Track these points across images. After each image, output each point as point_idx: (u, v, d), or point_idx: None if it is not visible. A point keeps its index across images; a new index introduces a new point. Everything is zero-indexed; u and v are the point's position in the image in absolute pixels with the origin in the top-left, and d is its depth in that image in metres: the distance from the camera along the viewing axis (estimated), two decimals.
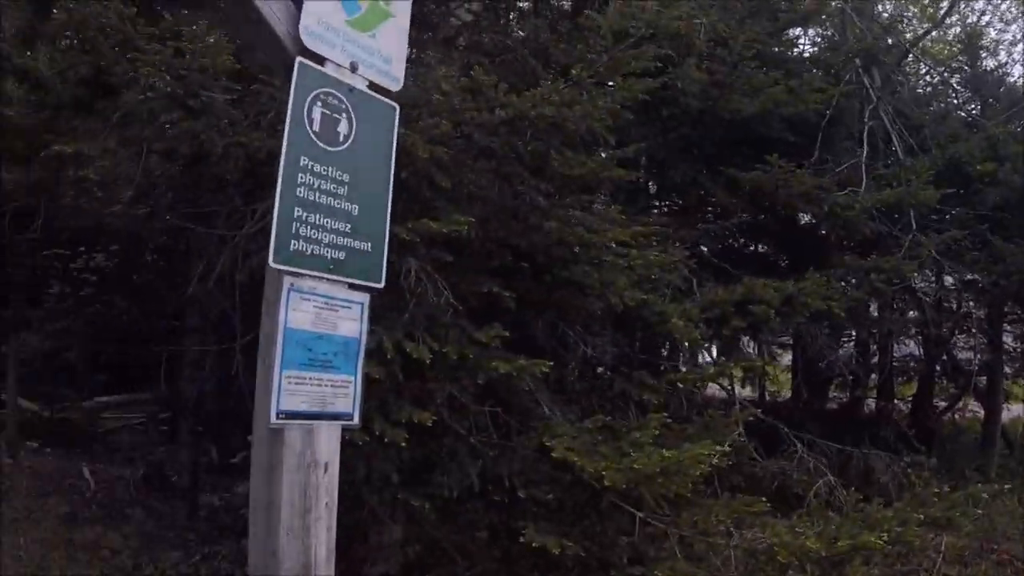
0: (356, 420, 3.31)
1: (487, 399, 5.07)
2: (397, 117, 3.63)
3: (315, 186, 3.18)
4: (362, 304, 3.35)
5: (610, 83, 6.21)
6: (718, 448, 4.84)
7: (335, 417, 3.22)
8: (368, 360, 3.59)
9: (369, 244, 3.39)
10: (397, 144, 3.64)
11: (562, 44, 6.38)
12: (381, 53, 3.60)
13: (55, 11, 6.24)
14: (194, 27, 4.79)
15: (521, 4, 9.05)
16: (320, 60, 3.30)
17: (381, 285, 3.46)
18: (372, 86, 3.54)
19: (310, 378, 3.12)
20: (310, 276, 3.14)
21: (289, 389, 3.03)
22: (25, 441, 11.95)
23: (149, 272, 12.36)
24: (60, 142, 6.14)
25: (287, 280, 3.06)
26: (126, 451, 12.57)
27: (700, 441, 4.89)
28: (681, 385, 6.22)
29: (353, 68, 3.44)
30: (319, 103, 3.24)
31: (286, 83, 3.20)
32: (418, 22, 9.10)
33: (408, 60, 3.95)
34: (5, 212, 10.30)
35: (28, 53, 7.03)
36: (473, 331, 4.83)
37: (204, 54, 4.69)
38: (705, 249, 9.18)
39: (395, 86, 3.68)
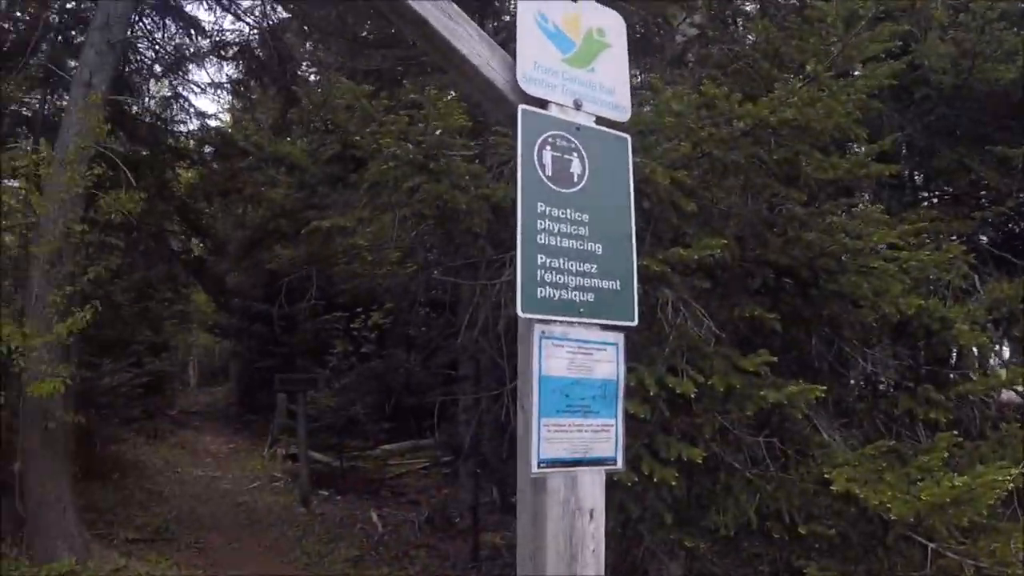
0: (620, 464, 3.19)
1: (760, 429, 4.79)
2: (629, 148, 3.50)
3: (555, 231, 3.12)
4: (617, 344, 3.22)
5: (854, 72, 5.78)
6: (1014, 471, 4.25)
7: (598, 462, 3.12)
8: (630, 399, 3.48)
9: (618, 282, 3.27)
10: (634, 174, 3.52)
11: (793, 41, 6.00)
12: (603, 86, 3.50)
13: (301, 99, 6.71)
14: (425, 93, 4.95)
15: (746, 6, 8.68)
16: (543, 104, 3.27)
17: (635, 323, 3.31)
18: (599, 120, 3.45)
19: (569, 424, 3.04)
20: (561, 322, 3.07)
21: (549, 437, 2.98)
22: (317, 490, 12.91)
23: (422, 325, 12.97)
24: (319, 217, 6.57)
25: (538, 328, 3.01)
26: (411, 495, 13.28)
27: (995, 462, 4.37)
28: (972, 397, 5.56)
29: (577, 106, 3.37)
30: (548, 147, 3.19)
31: (513, 132, 3.20)
32: (642, 46, 8.99)
33: (635, 85, 3.84)
34: (281, 286, 11.37)
35: (285, 140, 7.63)
36: (738, 359, 4.57)
37: (437, 118, 4.82)
38: (984, 239, 8.27)
39: (622, 116, 3.56)
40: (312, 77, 15.45)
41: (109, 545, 9.01)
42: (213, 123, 14.63)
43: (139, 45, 12.54)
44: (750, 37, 7.56)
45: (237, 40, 13.48)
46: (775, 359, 4.55)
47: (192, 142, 13.84)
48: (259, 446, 16.71)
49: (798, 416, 4.59)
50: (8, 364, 7.25)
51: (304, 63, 15.68)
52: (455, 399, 12.14)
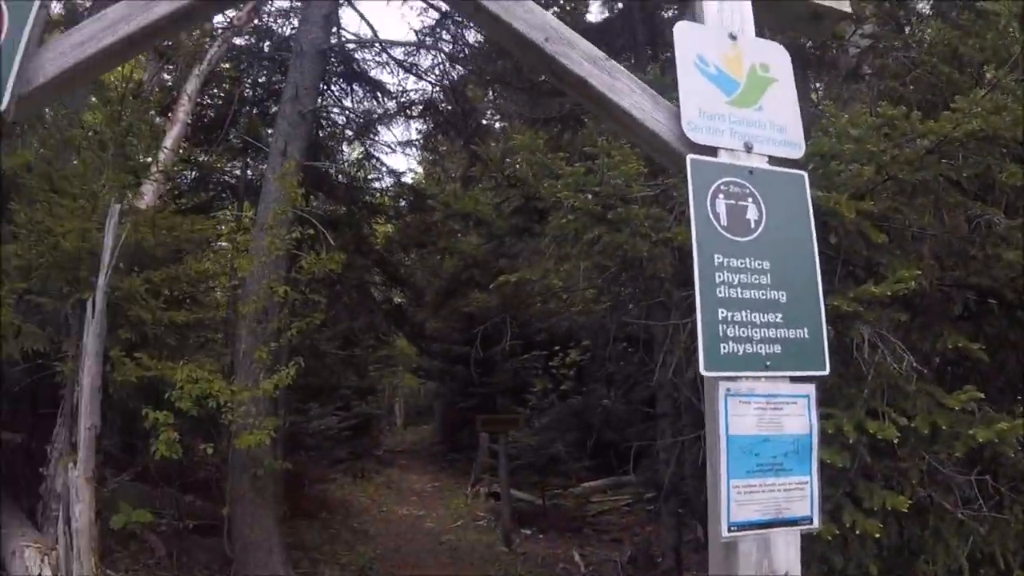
0: (816, 523, 3.02)
1: (971, 466, 4.41)
2: (807, 185, 3.33)
3: (735, 283, 3.02)
4: (808, 396, 3.06)
5: None
6: None
7: (791, 523, 2.97)
8: (827, 447, 3.31)
9: (805, 330, 3.11)
10: (816, 208, 3.37)
11: (970, 40, 5.57)
12: (773, 123, 3.36)
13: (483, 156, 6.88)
14: (599, 143, 4.95)
15: (919, 5, 8.09)
16: (712, 151, 3.19)
17: (826, 372, 3.14)
18: (772, 160, 3.31)
19: (760, 485, 2.91)
20: (747, 377, 2.96)
21: (739, 499, 2.86)
22: (519, 528, 13.00)
23: (619, 360, 12.89)
24: (509, 267, 6.70)
25: (723, 386, 2.91)
26: (613, 533, 13.12)
27: None
28: None
29: (748, 148, 3.25)
30: (721, 195, 3.10)
31: (684, 183, 3.13)
32: (814, 64, 8.59)
33: (811, 104, 3.66)
34: (479, 332, 11.71)
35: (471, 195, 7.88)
36: (943, 396, 4.25)
37: (612, 166, 4.80)
38: None
39: (796, 153, 3.40)
40: (496, 125, 15.92)
41: None
42: (405, 178, 15.45)
43: (330, 110, 13.33)
44: (925, 39, 7.08)
45: (421, 99, 14.11)
46: (982, 395, 4.19)
47: (386, 198, 14.60)
48: (462, 484, 17.01)
49: (1010, 453, 4.21)
50: (218, 416, 7.74)
51: (488, 111, 16.18)
52: (655, 435, 12.01)
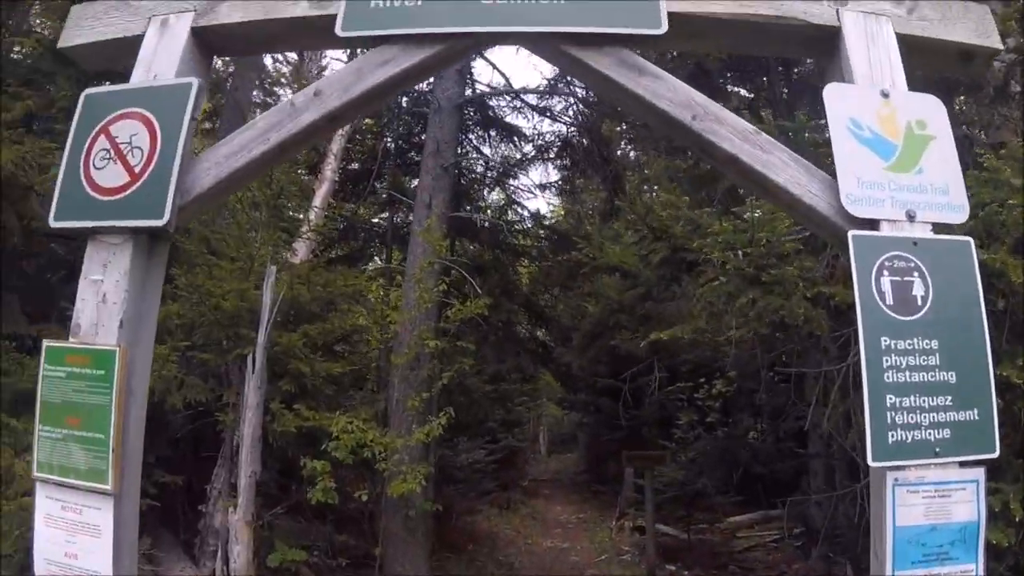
0: None
1: None
2: (974, 252, 3.12)
3: (903, 366, 2.90)
4: (977, 481, 2.90)
5: None
6: None
7: None
8: (991, 525, 3.12)
9: (975, 411, 2.94)
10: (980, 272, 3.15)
11: None
12: (934, 186, 3.17)
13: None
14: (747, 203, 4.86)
15: None
16: (873, 224, 3.06)
17: (996, 453, 2.95)
18: (935, 227, 3.14)
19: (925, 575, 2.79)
20: (915, 466, 2.84)
21: None
22: (664, 564, 12.80)
23: (767, 391, 12.60)
24: (654, 314, 6.67)
25: (890, 476, 2.81)
26: (760, 571, 12.73)
27: None
28: None
29: (910, 217, 3.09)
30: (885, 271, 2.98)
31: (846, 259, 3.03)
32: (946, 85, 8.05)
33: (958, 136, 3.46)
34: (625, 377, 11.73)
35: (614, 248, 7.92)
36: None
37: (761, 225, 4.71)
38: None
39: (961, 217, 3.18)
40: (631, 153, 15.89)
41: None
42: (546, 220, 15.67)
43: (471, 158, 13.63)
44: None
45: (557, 140, 14.26)
46: None
47: (529, 240, 14.82)
48: (607, 517, 16.86)
49: None
50: (372, 462, 8.00)
51: (623, 141, 16.16)
52: (804, 471, 11.69)
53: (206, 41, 3.58)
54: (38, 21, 9.99)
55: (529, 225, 14.78)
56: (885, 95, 3.24)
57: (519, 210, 14.71)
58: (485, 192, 15.06)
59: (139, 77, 3.43)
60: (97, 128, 3.32)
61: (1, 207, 7.30)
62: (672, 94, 3.23)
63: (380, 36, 3.39)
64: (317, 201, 10.83)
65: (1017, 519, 3.73)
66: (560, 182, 15.47)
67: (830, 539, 9.77)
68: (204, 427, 7.89)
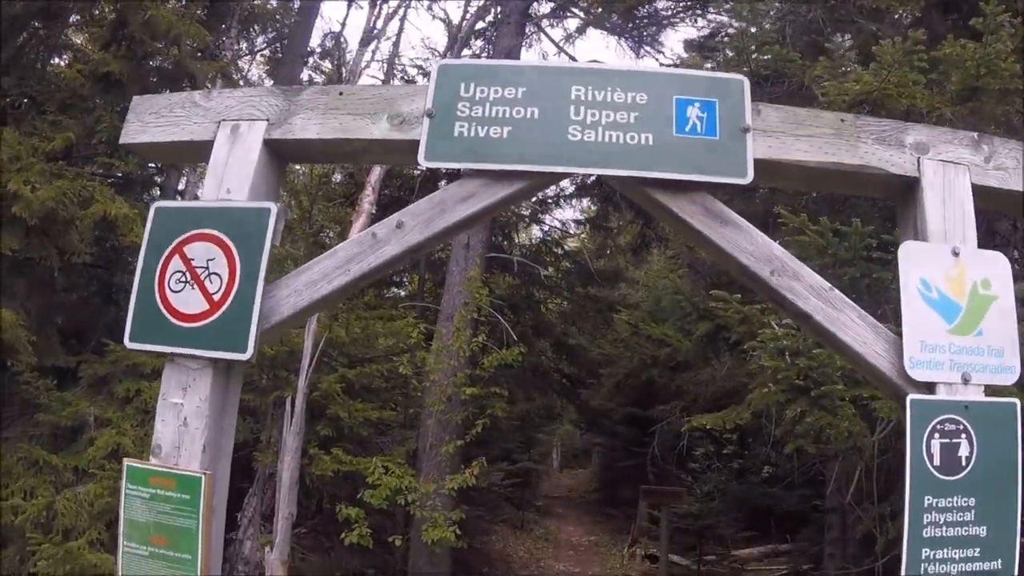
0: None
1: None
2: (1019, 415, 3.20)
3: (940, 522, 3.01)
4: None
5: None
6: None
7: None
8: None
9: (1000, 561, 3.07)
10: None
11: None
12: (991, 348, 3.25)
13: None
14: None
15: None
16: (931, 387, 3.15)
17: None
18: (987, 388, 3.22)
19: None
20: None
21: None
22: None
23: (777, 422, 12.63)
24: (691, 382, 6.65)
25: None
26: None
27: None
28: None
29: (965, 380, 3.17)
30: (936, 434, 3.07)
31: (903, 420, 3.13)
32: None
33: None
34: (654, 431, 11.89)
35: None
36: None
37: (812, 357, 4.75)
38: None
39: (1011, 379, 3.25)
40: None
41: None
42: (577, 256, 15.82)
43: None
44: None
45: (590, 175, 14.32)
46: None
47: (560, 274, 14.96)
48: (618, 541, 17.02)
49: None
50: (405, 505, 8.15)
51: None
52: (817, 507, 11.77)
53: (279, 151, 3.52)
54: (77, 41, 9.99)
55: (563, 263, 14.92)
56: (955, 254, 3.30)
57: (553, 248, 14.81)
58: (520, 227, 15.17)
59: (211, 190, 3.37)
60: (171, 248, 3.26)
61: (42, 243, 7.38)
62: (752, 247, 3.28)
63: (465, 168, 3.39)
64: (354, 234, 10.92)
65: None
66: (595, 216, 15.56)
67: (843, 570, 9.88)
68: (237, 460, 8.05)
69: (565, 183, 13.88)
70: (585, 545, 17.53)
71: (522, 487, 17.57)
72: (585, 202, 15.46)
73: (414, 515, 8.40)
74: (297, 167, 10.67)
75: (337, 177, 13.07)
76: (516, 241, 14.99)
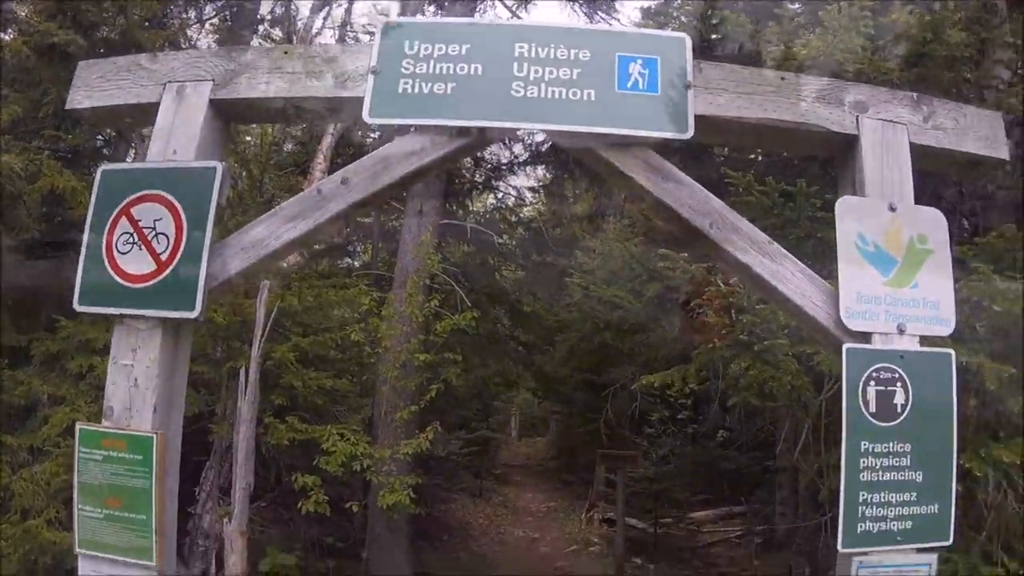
0: None
1: None
2: (953, 364, 3.33)
3: (877, 467, 3.15)
4: (929, 565, 3.19)
5: None
6: None
7: None
8: None
9: (936, 506, 3.21)
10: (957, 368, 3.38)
11: None
12: (926, 301, 3.36)
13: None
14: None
15: None
16: (866, 336, 3.26)
17: (950, 541, 3.24)
18: (922, 339, 3.34)
19: None
20: (878, 552, 3.13)
21: None
22: (631, 558, 13.13)
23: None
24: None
25: (855, 560, 3.10)
26: (722, 566, 13.13)
27: None
28: None
29: (900, 331, 3.29)
30: (872, 382, 3.19)
31: (839, 369, 3.23)
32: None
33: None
34: (607, 394, 12.03)
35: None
36: None
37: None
38: None
39: (946, 330, 3.39)
40: None
41: None
42: (533, 224, 15.81)
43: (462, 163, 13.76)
44: None
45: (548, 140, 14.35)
46: None
47: (513, 243, 14.96)
48: (576, 508, 17.15)
49: None
50: (361, 472, 8.19)
51: None
52: (770, 468, 11.99)
53: (225, 111, 3.53)
54: (21, 14, 9.74)
55: (519, 231, 14.93)
56: (892, 209, 3.38)
57: (507, 215, 14.82)
58: (474, 195, 15.14)
59: (157, 151, 3.38)
60: (118, 209, 3.28)
61: None
62: (692, 201, 3.36)
63: (409, 124, 3.41)
64: None
65: None
66: (550, 184, 15.57)
67: (790, 530, 10.09)
68: (194, 434, 8.01)
69: (519, 149, 13.90)
70: (544, 511, 17.66)
71: (480, 456, 17.65)
72: (540, 171, 15.45)
73: (372, 482, 8.44)
74: (248, 137, 10.54)
75: (288, 146, 13.03)
76: (471, 208, 14.97)
